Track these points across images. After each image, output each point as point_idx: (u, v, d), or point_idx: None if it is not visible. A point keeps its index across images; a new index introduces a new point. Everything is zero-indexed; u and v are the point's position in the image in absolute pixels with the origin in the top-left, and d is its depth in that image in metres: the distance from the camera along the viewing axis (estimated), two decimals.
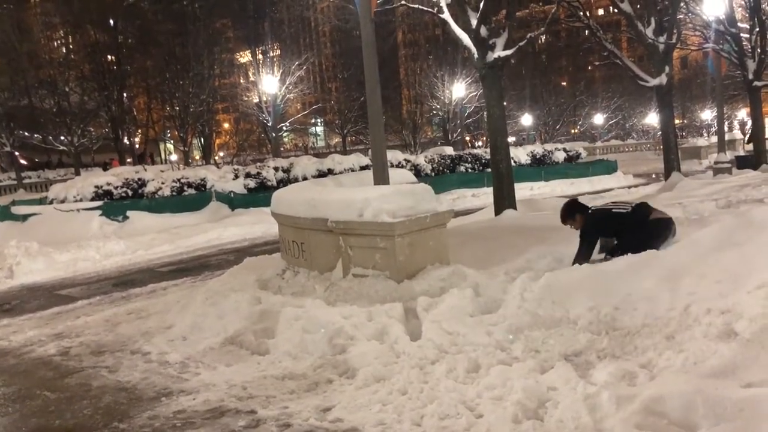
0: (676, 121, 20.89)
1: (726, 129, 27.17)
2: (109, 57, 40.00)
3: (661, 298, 5.14)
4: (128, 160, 41.88)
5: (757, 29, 21.87)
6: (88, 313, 8.42)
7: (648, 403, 3.57)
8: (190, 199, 17.23)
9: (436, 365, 4.80)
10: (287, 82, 37.27)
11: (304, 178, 17.55)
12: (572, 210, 6.70)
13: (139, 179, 16.88)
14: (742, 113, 52.77)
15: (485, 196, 13.08)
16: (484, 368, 4.60)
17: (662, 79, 16.71)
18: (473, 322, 5.34)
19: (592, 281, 5.69)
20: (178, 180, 17.27)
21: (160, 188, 16.80)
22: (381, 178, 8.11)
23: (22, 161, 44.78)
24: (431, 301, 5.68)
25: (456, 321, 5.34)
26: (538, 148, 26.57)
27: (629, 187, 20.62)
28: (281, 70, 38.55)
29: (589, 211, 6.62)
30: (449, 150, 25.70)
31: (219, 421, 4.45)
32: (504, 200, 11.25)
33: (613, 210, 6.54)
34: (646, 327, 4.94)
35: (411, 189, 6.50)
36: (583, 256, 6.25)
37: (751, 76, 22.06)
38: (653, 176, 25.55)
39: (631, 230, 6.27)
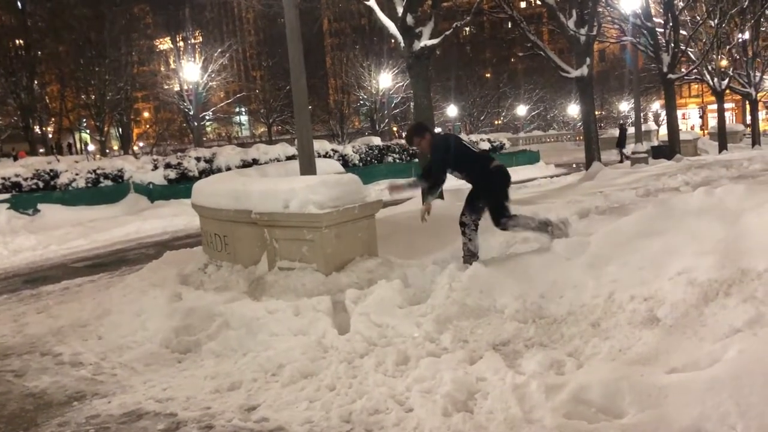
0: (596, 113, 21.50)
1: (642, 120, 28.21)
2: (16, 41, 37.80)
3: (586, 285, 5.21)
4: (41, 150, 39.82)
5: (671, 24, 22.76)
6: None
7: (576, 391, 3.57)
8: (106, 191, 16.47)
9: (365, 359, 4.70)
10: (209, 70, 36.32)
11: (228, 169, 17.08)
12: (421, 129, 6.47)
13: (51, 170, 15.98)
14: (656, 105, 55.13)
15: None
16: (413, 360, 4.53)
17: (583, 70, 17.14)
18: (402, 314, 5.26)
19: (518, 270, 5.73)
20: (94, 171, 16.46)
21: (74, 180, 15.97)
22: (307, 169, 7.92)
23: None
24: (360, 293, 5.57)
25: (385, 313, 5.25)
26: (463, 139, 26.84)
27: (551, 177, 21.12)
28: (203, 58, 37.49)
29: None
30: (377, 140, 25.63)
31: (136, 424, 4.20)
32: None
33: (463, 141, 6.41)
34: (571, 315, 4.99)
35: (338, 179, 6.36)
36: (433, 175, 6.17)
37: (665, 69, 22.97)
38: (574, 166, 26.32)
39: (479, 170, 6.17)
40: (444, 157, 6.09)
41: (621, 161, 22.29)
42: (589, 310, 4.93)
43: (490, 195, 6.11)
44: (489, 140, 27.14)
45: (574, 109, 55.35)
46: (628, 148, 22.82)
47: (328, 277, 5.88)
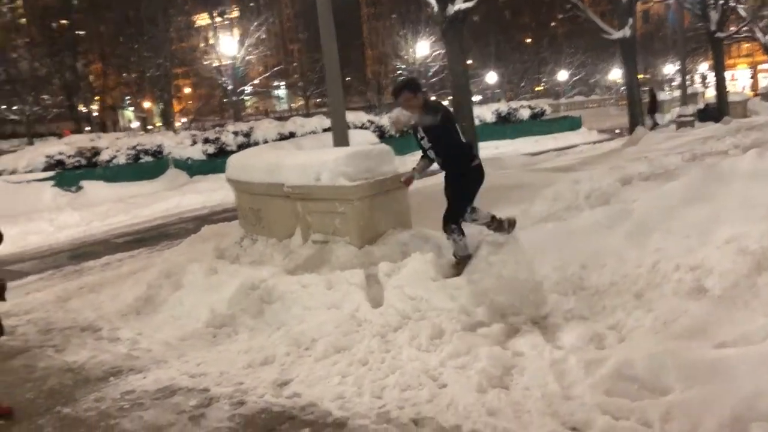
0: (639, 76, 20.64)
1: (688, 83, 27.23)
2: (60, 21, 38.33)
3: (628, 255, 4.99)
4: (86, 128, 40.56)
5: None
6: (38, 288, 8.03)
7: (618, 367, 3.41)
8: (146, 166, 16.64)
9: (399, 333, 4.60)
10: (246, 44, 36.25)
11: (265, 142, 17.05)
12: (417, 86, 5.67)
13: (93, 148, 16.22)
14: (703, 66, 53.16)
15: None
16: (447, 334, 4.42)
17: (626, 31, 16.54)
18: (436, 287, 5.13)
19: (558, 240, 5.53)
20: (134, 147, 16.64)
21: (115, 156, 16.18)
22: (340, 141, 7.80)
23: None
24: (393, 266, 5.45)
25: (419, 286, 5.13)
26: (503, 106, 26.34)
27: (594, 143, 20.59)
28: (240, 32, 37.44)
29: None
30: None
31: (169, 400, 4.19)
32: None
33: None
34: (614, 286, 4.79)
35: (369, 151, 6.21)
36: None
37: (713, 28, 22.02)
38: (617, 131, 25.61)
39: (463, 160, 5.55)
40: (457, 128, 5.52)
41: (653, 128, 20.95)
42: (632, 280, 4.72)
43: (467, 190, 5.55)
44: (530, 107, 26.51)
45: (616, 73, 53.77)
46: (670, 113, 21.84)
47: (361, 250, 5.78)
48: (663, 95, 33.84)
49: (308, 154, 6.67)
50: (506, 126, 24.60)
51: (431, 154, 5.55)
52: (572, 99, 51.44)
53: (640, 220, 5.36)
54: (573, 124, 26.37)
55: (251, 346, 4.89)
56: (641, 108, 17.80)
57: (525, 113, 25.84)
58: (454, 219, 5.46)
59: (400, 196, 6.20)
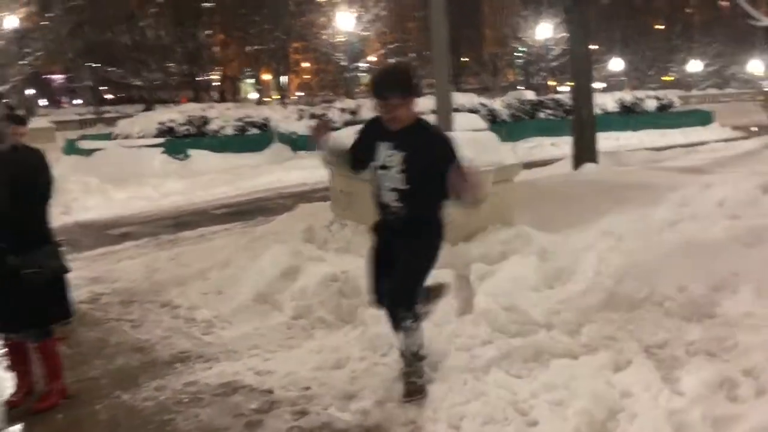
0: None
1: None
2: None
3: None
4: (207, 97, 42.05)
5: None
6: (131, 255, 8.05)
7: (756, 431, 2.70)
8: (252, 139, 16.70)
9: (487, 349, 4.04)
10: (364, 20, 36.10)
11: None
12: (413, 84, 3.53)
13: (203, 117, 16.48)
14: None
15: (566, 145, 11.93)
16: (544, 358, 3.81)
17: None
18: (537, 298, 4.53)
19: (684, 254, 4.75)
20: (241, 119, 16.77)
21: (223, 127, 16.36)
22: (444, 125, 7.21)
23: (107, 96, 45.81)
24: (488, 269, 4.89)
25: (516, 295, 4.55)
26: (627, 95, 24.65)
27: (727, 140, 18.80)
28: (359, 8, 37.36)
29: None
30: (530, 94, 24.14)
31: (230, 399, 3.87)
32: (584, 151, 10.13)
33: None
34: (750, 317, 3.97)
35: (473, 137, 5.65)
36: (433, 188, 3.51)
37: None
38: (755, 129, 23.35)
39: (438, 203, 3.66)
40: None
41: None
42: None
43: (436, 256, 3.68)
44: (656, 97, 24.65)
45: (756, 66, 49.51)
46: None
47: (453, 248, 5.22)
48: None
49: None
50: (629, 117, 22.98)
51: (386, 177, 3.49)
52: (704, 91, 47.94)
53: None
54: (704, 118, 24.28)
55: (324, 345, 4.49)
56: None
57: (651, 104, 24.03)
58: (413, 295, 3.57)
59: (504, 189, 5.60)
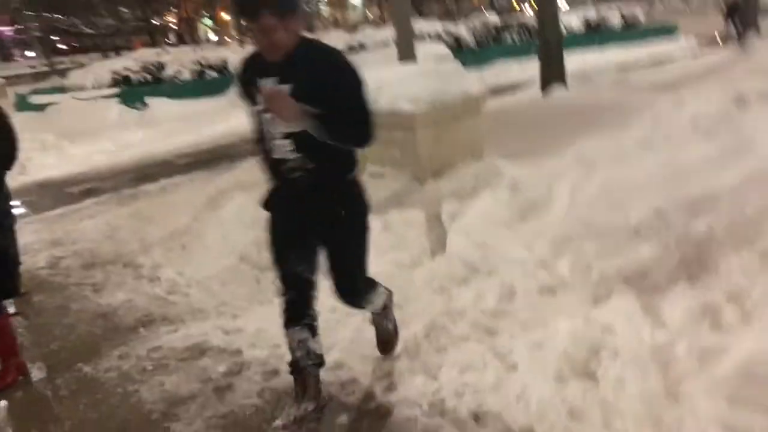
0: None
1: None
2: None
3: (749, 200, 4.03)
4: (167, 41, 40.53)
5: None
6: (92, 214, 7.72)
7: (744, 364, 2.61)
8: (211, 83, 16.03)
9: (463, 290, 3.90)
10: None
11: None
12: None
13: (158, 62, 15.78)
14: None
15: (532, 69, 11.63)
16: (520, 296, 3.68)
17: None
18: (510, 233, 4.37)
19: (659, 177, 4.62)
20: (198, 62, 16.09)
21: (180, 72, 15.71)
22: (406, 54, 6.93)
23: (61, 46, 43.94)
24: (459, 206, 4.71)
25: (489, 231, 4.40)
26: (591, 13, 24.19)
27: (695, 53, 18.60)
28: None
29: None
30: (494, 18, 23.60)
31: (197, 363, 3.69)
32: (552, 74, 9.85)
33: None
34: (730, 237, 3.84)
35: (436, 69, 5.36)
36: (370, 127, 2.74)
37: None
38: (718, 40, 23.09)
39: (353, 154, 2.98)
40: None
41: (739, 38, 16.67)
42: (755, 232, 3.78)
43: (367, 222, 2.99)
44: (621, 12, 24.19)
45: None
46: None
47: (423, 186, 5.04)
48: None
49: (368, 72, 5.85)
50: (595, 35, 22.61)
51: (273, 121, 2.64)
52: (669, 3, 47.36)
53: (764, 157, 4.37)
54: (670, 32, 24.01)
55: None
56: (756, 10, 15.71)
57: (615, 19, 23.66)
58: (364, 283, 3.09)
59: (472, 122, 5.36)
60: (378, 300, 3.16)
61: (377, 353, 3.43)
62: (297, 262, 2.87)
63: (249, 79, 2.70)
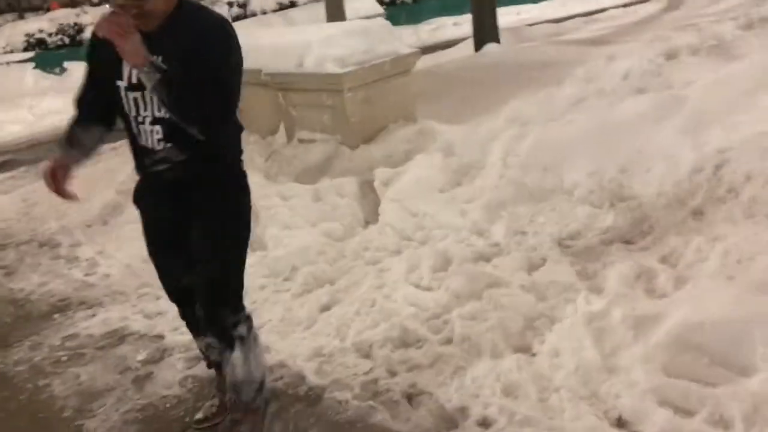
0: None
1: None
2: None
3: (682, 156, 3.99)
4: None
5: None
6: (6, 189, 7.23)
7: (679, 330, 2.55)
8: None
9: (396, 260, 3.76)
10: None
11: (264, 14, 15.55)
12: None
13: (76, 24, 14.87)
14: None
15: (469, 24, 11.43)
16: (455, 265, 3.56)
17: None
18: (444, 199, 4.24)
19: (591, 136, 4.52)
20: None
21: None
22: (334, 13, 6.64)
23: None
24: (392, 172, 4.53)
25: (422, 198, 4.24)
26: None
27: (625, 6, 18.70)
28: None
29: None
30: None
31: (114, 351, 3.45)
32: (485, 31, 9.66)
33: None
34: (662, 197, 3.81)
35: (364, 27, 5.12)
36: (221, 112, 2.24)
37: None
38: None
39: (236, 135, 2.54)
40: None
41: None
42: (688, 191, 3.75)
43: (248, 225, 2.49)
44: None
45: None
46: None
47: (354, 152, 4.83)
48: None
49: (290, 33, 5.57)
50: None
51: (141, 103, 2.25)
52: None
53: (696, 112, 4.32)
54: None
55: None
56: None
57: None
58: (237, 288, 2.48)
59: (403, 82, 5.17)
60: (253, 347, 2.52)
61: (308, 333, 3.26)
62: (177, 269, 2.47)
63: (112, 49, 2.08)
